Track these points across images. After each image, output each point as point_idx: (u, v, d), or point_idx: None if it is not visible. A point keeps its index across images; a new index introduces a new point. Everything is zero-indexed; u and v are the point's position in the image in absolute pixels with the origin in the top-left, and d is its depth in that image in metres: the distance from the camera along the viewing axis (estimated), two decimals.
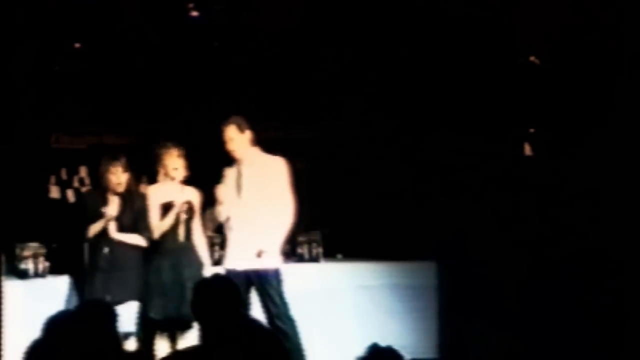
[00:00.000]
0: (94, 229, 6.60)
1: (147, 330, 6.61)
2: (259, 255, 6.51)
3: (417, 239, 7.85)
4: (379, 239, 8.22)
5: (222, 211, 6.66)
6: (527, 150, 7.90)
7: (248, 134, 6.65)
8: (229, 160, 6.74)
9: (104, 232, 6.61)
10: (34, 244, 7.13)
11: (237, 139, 6.63)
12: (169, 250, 6.65)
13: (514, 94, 7.76)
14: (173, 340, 6.56)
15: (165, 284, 6.56)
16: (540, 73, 7.72)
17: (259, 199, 6.58)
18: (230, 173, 6.71)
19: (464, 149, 7.93)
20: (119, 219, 6.64)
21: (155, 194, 6.72)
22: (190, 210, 6.69)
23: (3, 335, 5.30)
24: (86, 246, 6.79)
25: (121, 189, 6.65)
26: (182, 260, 6.62)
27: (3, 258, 5.96)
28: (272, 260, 6.58)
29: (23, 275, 7.04)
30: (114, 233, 6.58)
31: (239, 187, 6.62)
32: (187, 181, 6.76)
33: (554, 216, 7.19)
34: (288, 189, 6.66)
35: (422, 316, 7.53)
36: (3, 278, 7.21)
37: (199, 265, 6.69)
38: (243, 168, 6.65)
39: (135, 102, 9.24)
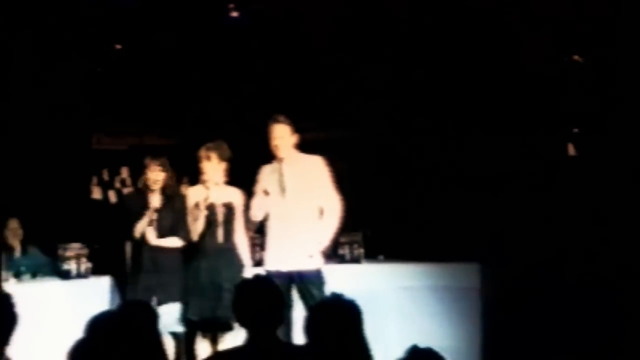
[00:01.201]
0: (140, 227, 6.63)
1: (187, 331, 6.63)
2: (309, 258, 6.49)
3: (459, 240, 7.80)
4: (421, 240, 8.18)
5: (260, 211, 6.64)
6: (571, 150, 7.81)
7: (295, 135, 6.64)
8: (265, 160, 6.72)
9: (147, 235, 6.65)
10: (77, 245, 7.17)
11: (287, 139, 6.60)
12: (207, 252, 6.65)
13: (558, 95, 7.69)
14: (214, 341, 6.57)
15: (203, 285, 6.56)
16: (583, 73, 7.64)
17: (302, 199, 6.55)
18: (269, 172, 6.68)
19: (507, 150, 7.88)
20: (159, 219, 6.67)
21: (193, 196, 6.72)
22: (229, 211, 6.68)
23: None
24: (128, 247, 6.83)
25: (158, 186, 6.68)
26: (220, 262, 6.61)
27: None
28: (314, 261, 6.56)
29: (65, 275, 7.09)
30: (153, 239, 6.60)
31: (281, 186, 6.58)
32: (230, 182, 6.75)
33: (600, 217, 7.10)
34: (333, 189, 6.64)
35: (464, 318, 7.46)
36: (46, 278, 7.30)
37: (239, 266, 6.68)
38: (285, 167, 6.61)
39: (176, 103, 9.28)
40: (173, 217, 6.68)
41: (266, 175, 6.67)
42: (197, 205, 6.63)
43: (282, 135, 6.60)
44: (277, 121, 6.62)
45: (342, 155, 8.05)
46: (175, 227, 6.68)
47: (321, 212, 6.59)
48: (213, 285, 6.53)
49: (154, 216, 6.64)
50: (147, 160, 6.75)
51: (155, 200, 6.70)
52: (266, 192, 6.57)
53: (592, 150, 7.73)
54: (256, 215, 6.68)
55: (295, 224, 6.51)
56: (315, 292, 6.45)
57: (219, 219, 6.66)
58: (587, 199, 7.28)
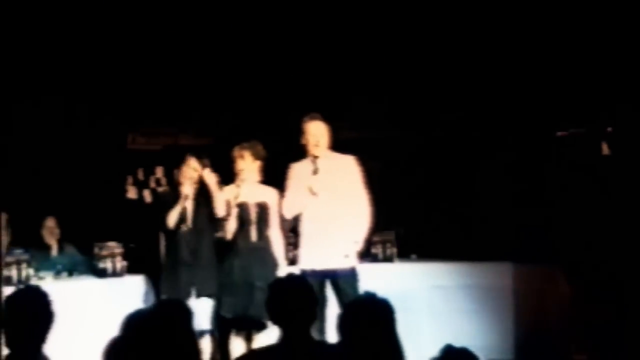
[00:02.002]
0: (172, 216, 6.69)
1: (221, 328, 6.68)
2: (344, 257, 6.51)
3: (492, 239, 7.78)
4: (453, 240, 8.16)
5: (293, 209, 6.66)
6: (605, 149, 7.75)
7: (330, 134, 6.66)
8: (295, 158, 6.75)
9: (183, 226, 6.71)
10: (112, 244, 7.24)
11: (323, 137, 6.62)
12: (240, 250, 6.68)
13: (592, 93, 7.63)
14: (248, 339, 6.61)
15: (236, 283, 6.60)
16: (618, 71, 7.57)
17: (335, 198, 6.56)
18: (302, 170, 6.68)
19: (538, 149, 7.84)
20: (194, 217, 6.73)
21: (227, 195, 6.76)
22: (262, 210, 6.71)
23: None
24: (163, 245, 6.88)
25: (193, 182, 6.73)
26: (253, 260, 6.64)
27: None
28: (348, 260, 6.57)
29: (101, 274, 7.16)
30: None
31: (314, 184, 6.58)
32: (265, 181, 6.78)
33: (635, 216, 7.04)
34: (364, 189, 6.65)
35: (497, 317, 7.45)
36: (82, 277, 7.37)
37: (272, 265, 6.70)
38: (320, 166, 6.61)
39: (211, 103, 9.31)
40: (208, 214, 6.73)
41: (299, 173, 6.68)
42: (230, 204, 6.67)
43: (319, 133, 6.61)
44: (314, 119, 6.63)
45: (374, 154, 8.05)
46: (211, 226, 6.74)
47: (354, 211, 6.60)
48: (246, 283, 6.56)
49: (186, 206, 6.69)
50: (188, 156, 6.82)
51: (188, 190, 6.75)
52: (311, 191, 6.57)
53: (626, 148, 7.66)
54: (289, 212, 6.70)
55: (330, 223, 6.52)
56: (349, 290, 6.45)
57: (252, 218, 6.70)
58: (621, 197, 7.22)
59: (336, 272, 6.54)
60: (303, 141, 6.65)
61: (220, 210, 6.63)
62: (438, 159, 8.94)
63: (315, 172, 6.61)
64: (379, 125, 9.32)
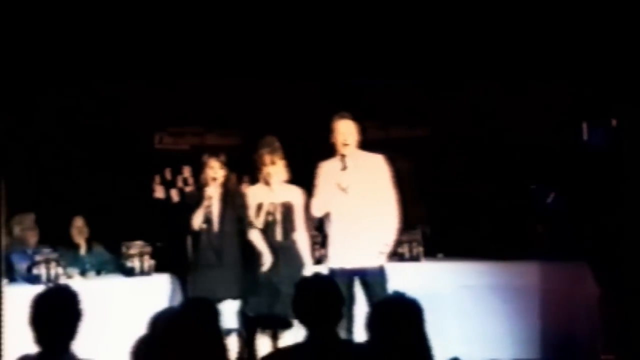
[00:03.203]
0: (196, 218, 6.71)
1: (247, 327, 6.69)
2: (377, 255, 6.51)
3: (520, 238, 7.73)
4: (480, 238, 8.12)
5: (322, 207, 6.66)
6: None
7: (360, 133, 6.66)
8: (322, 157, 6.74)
9: (208, 228, 6.73)
10: (140, 243, 7.28)
11: (353, 136, 6.61)
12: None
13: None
14: (275, 338, 6.61)
15: (262, 282, 6.61)
16: None
17: (364, 197, 6.55)
18: (330, 168, 6.67)
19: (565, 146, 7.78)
20: (220, 219, 6.74)
21: (253, 195, 6.77)
22: (288, 210, 6.71)
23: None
24: (190, 242, 6.90)
25: (217, 182, 6.75)
26: (279, 260, 6.65)
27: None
28: (377, 258, 6.57)
29: (129, 273, 7.20)
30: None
31: (346, 183, 6.56)
32: (291, 180, 6.79)
33: None
34: (392, 188, 6.64)
35: (524, 317, 7.40)
36: (110, 275, 7.41)
37: (299, 264, 6.70)
38: (349, 164, 6.59)
39: (237, 103, 9.33)
40: (234, 213, 6.74)
41: (327, 171, 6.66)
42: (256, 204, 6.68)
43: (348, 132, 6.60)
44: (343, 117, 6.62)
45: (402, 153, 8.04)
46: (237, 225, 6.75)
47: (382, 211, 6.60)
48: (272, 282, 6.57)
49: (210, 207, 6.71)
50: (205, 157, 6.84)
51: (212, 192, 6.76)
52: (340, 187, 6.55)
53: None
54: (318, 211, 6.69)
55: (359, 222, 6.51)
56: (378, 289, 6.45)
57: (278, 218, 6.70)
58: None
59: (366, 270, 6.53)
60: (332, 140, 6.64)
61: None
62: (463, 158, 8.91)
63: (343, 169, 6.59)
64: (406, 124, 9.31)
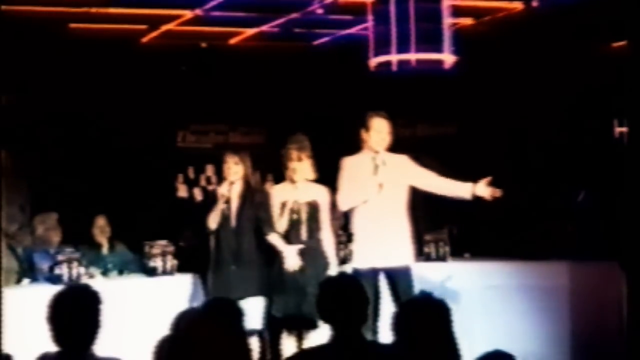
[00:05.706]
0: (212, 217, 6.66)
1: (272, 328, 6.64)
2: (407, 255, 6.50)
3: (549, 237, 7.65)
4: (508, 238, 8.05)
5: (349, 202, 6.59)
6: None
7: (392, 132, 6.60)
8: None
9: (226, 226, 6.68)
10: (163, 242, 7.25)
11: (387, 134, 6.56)
12: None
13: None
14: (300, 338, 6.56)
15: (287, 282, 6.57)
16: None
17: (394, 196, 6.52)
18: (359, 164, 6.60)
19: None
20: (238, 218, 6.69)
21: (278, 194, 6.72)
22: (313, 209, 6.65)
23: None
24: (212, 241, 6.85)
25: (236, 179, 6.69)
26: (304, 259, 6.59)
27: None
28: (403, 258, 6.52)
29: (151, 272, 7.17)
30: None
31: (378, 180, 6.49)
32: (318, 179, 6.72)
33: None
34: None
35: (553, 318, 7.32)
36: (132, 275, 7.39)
37: (324, 264, 6.64)
38: (379, 162, 6.53)
39: (261, 101, 9.30)
40: (253, 211, 6.69)
41: (356, 167, 6.59)
42: (281, 203, 6.63)
43: (385, 130, 6.55)
44: (380, 115, 6.56)
45: (428, 151, 7.97)
46: (257, 223, 6.69)
47: (409, 209, 6.55)
48: (297, 282, 6.53)
49: (228, 205, 6.65)
50: (225, 155, 6.80)
51: (228, 190, 6.71)
52: (376, 185, 6.48)
53: None
54: (345, 205, 6.60)
55: (388, 220, 6.48)
56: (405, 289, 6.41)
57: (303, 217, 6.65)
58: None
59: (391, 270, 6.48)
60: (364, 136, 6.56)
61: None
62: (492, 156, 8.83)
63: (377, 168, 6.52)
64: (432, 122, 9.26)
